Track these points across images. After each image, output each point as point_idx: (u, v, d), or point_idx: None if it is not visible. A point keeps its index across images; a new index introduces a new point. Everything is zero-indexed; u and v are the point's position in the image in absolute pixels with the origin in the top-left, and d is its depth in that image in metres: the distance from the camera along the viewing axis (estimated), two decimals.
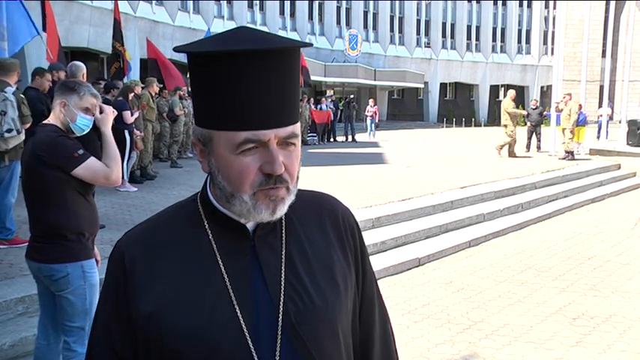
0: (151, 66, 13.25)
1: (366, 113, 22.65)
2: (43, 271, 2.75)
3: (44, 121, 2.83)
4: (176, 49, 0.95)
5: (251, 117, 0.90)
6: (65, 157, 2.66)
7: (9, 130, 4.83)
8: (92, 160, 2.73)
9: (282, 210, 0.96)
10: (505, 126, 13.94)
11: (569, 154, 13.75)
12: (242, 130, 0.90)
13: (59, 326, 2.87)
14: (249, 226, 0.99)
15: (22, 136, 4.96)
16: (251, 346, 0.93)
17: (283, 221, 1.03)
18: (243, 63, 0.88)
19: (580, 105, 14.42)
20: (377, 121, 22.58)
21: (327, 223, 1.08)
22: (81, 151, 2.71)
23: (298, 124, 0.96)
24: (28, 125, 5.05)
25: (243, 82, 0.89)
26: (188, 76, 1.00)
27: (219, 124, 0.92)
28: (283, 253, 1.00)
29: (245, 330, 0.93)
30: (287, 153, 0.94)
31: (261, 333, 0.94)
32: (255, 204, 0.93)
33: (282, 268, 0.99)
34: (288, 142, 0.94)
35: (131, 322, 0.96)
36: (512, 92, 14.10)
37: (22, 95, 5.03)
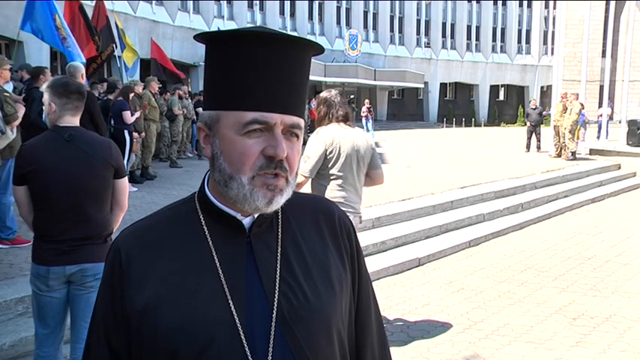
0: (153, 65, 13.25)
1: (361, 114, 22.63)
2: (87, 271, 2.72)
3: (70, 124, 2.75)
4: (197, 36, 0.98)
5: (261, 99, 0.93)
6: (123, 163, 2.85)
7: None
8: None
9: (278, 201, 0.96)
10: None
11: (572, 155, 13.75)
12: (250, 111, 0.93)
13: (72, 326, 2.85)
14: (246, 222, 1.00)
15: (12, 135, 4.86)
16: (244, 341, 0.93)
17: (280, 220, 1.04)
18: (262, 47, 0.93)
19: (582, 105, 14.40)
20: (371, 119, 22.48)
21: (323, 224, 1.09)
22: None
23: (303, 121, 0.99)
24: (14, 124, 4.88)
25: (259, 66, 0.92)
26: (204, 70, 1.03)
27: (229, 104, 0.95)
28: (279, 250, 1.01)
29: (239, 326, 0.93)
30: (290, 144, 0.96)
31: (255, 329, 0.94)
32: (252, 190, 0.94)
33: (278, 265, 0.99)
34: (292, 133, 0.96)
35: (125, 317, 0.97)
36: None
37: (6, 94, 4.92)
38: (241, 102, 0.93)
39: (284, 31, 0.99)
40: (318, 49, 1.00)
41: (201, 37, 0.97)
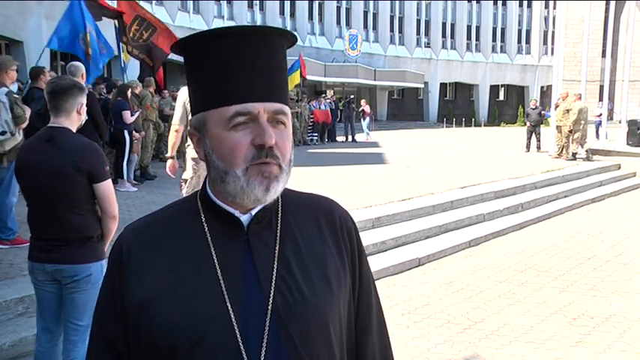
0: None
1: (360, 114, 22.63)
2: (64, 272, 2.74)
3: (55, 124, 2.77)
4: (173, 47, 1.01)
5: (240, 90, 0.95)
6: (101, 168, 2.77)
7: (2, 133, 4.75)
8: (110, 181, 2.86)
9: (275, 189, 0.97)
10: None
11: (572, 155, 13.74)
12: (232, 105, 0.94)
13: (63, 326, 2.88)
14: (244, 220, 1.01)
15: (19, 137, 4.90)
16: (239, 337, 0.94)
17: (279, 217, 1.05)
18: (231, 43, 0.95)
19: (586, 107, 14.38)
20: (368, 119, 22.42)
21: (323, 223, 1.09)
22: (107, 167, 2.84)
23: (288, 107, 1.00)
24: (23, 126, 4.92)
25: (232, 60, 0.95)
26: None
27: (211, 104, 0.97)
28: (277, 248, 1.02)
29: (233, 321, 0.94)
30: (277, 132, 0.97)
31: (250, 325, 0.95)
32: (248, 180, 0.95)
33: (275, 262, 1.00)
34: (278, 120, 0.97)
35: (123, 309, 0.98)
36: None
37: (15, 95, 4.95)
38: (222, 98, 0.95)
39: (252, 24, 1.01)
40: (290, 38, 1.02)
41: (175, 46, 1.00)
